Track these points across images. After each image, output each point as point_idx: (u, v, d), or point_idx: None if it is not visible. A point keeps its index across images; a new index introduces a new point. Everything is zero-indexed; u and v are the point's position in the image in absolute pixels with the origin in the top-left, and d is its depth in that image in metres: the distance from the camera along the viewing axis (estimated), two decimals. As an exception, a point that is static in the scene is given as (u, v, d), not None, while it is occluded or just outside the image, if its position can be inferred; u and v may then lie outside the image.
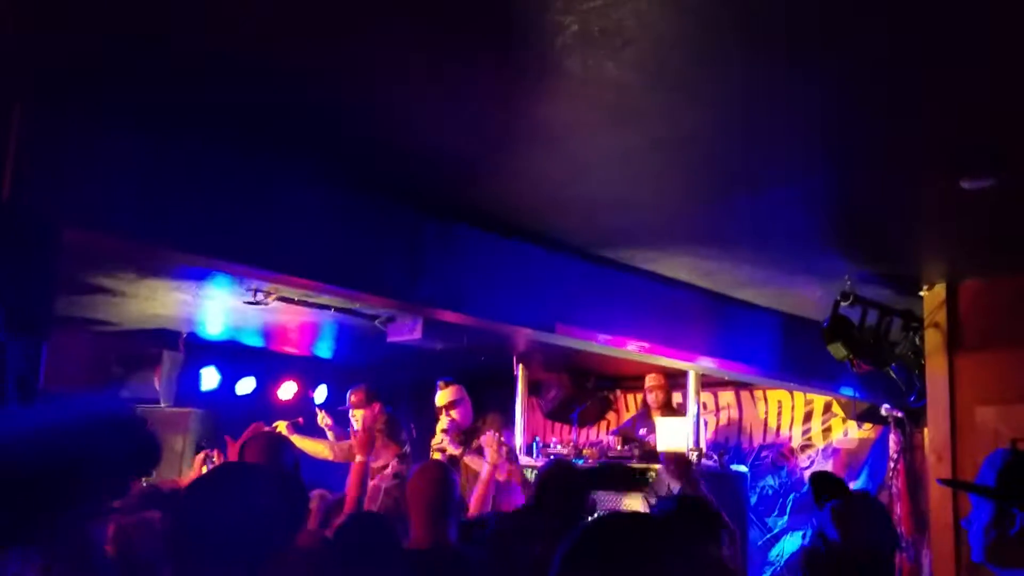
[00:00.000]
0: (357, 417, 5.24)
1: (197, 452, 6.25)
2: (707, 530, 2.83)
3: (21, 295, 2.48)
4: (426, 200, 3.62)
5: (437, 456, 5.30)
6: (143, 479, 5.04)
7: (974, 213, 3.49)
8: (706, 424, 6.65)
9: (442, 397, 5.52)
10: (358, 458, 4.10)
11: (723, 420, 7.14)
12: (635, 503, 5.34)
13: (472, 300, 3.88)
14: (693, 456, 5.63)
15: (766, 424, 6.95)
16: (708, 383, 6.42)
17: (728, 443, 6.83)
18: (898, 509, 5.66)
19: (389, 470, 4.86)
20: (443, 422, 5.46)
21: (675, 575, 1.08)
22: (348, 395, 5.37)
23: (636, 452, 5.80)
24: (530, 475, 4.92)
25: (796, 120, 2.73)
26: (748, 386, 6.83)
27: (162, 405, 5.94)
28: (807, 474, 6.63)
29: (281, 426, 5.35)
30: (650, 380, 6.61)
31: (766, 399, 6.97)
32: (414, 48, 2.36)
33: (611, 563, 1.08)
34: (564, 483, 3.00)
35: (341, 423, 5.60)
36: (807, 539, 2.53)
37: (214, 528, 1.60)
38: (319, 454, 5.41)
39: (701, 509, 2.95)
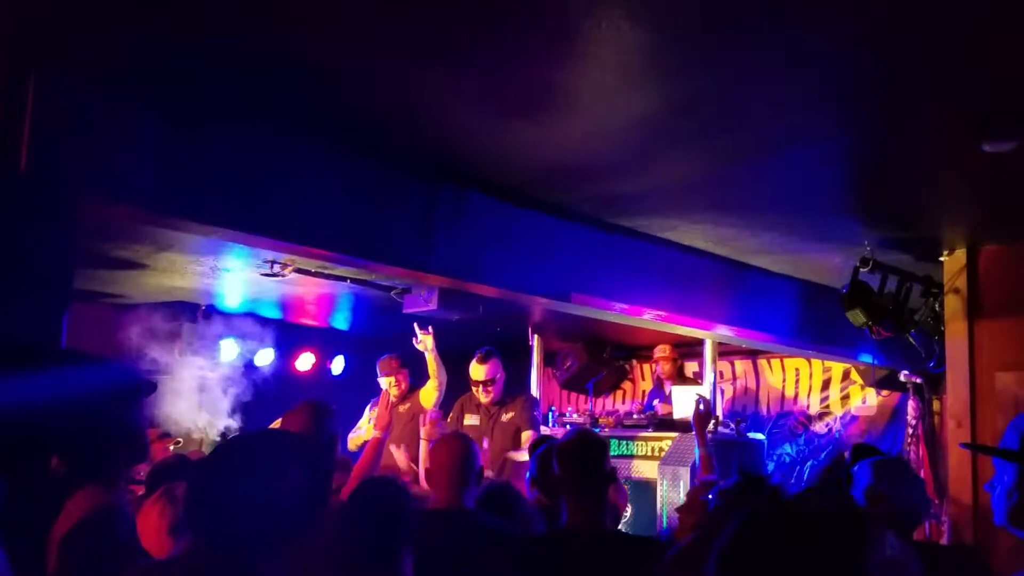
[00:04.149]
0: (392, 383, 5.30)
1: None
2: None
3: (40, 266, 2.49)
4: (440, 169, 3.61)
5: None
6: (171, 447, 5.12)
7: (995, 177, 3.44)
8: (723, 393, 6.65)
9: (480, 371, 5.17)
10: (375, 434, 4.09)
11: (740, 388, 7.14)
12: (647, 469, 5.36)
13: (487, 269, 3.88)
14: (710, 425, 5.65)
15: (783, 392, 6.94)
16: (725, 351, 6.42)
17: (745, 411, 6.83)
18: (920, 475, 5.65)
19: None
20: (484, 396, 5.22)
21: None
22: (378, 364, 5.41)
23: (651, 421, 5.82)
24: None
25: (813, 82, 2.68)
26: (765, 354, 6.81)
27: (182, 376, 6.00)
28: (824, 441, 6.62)
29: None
30: (658, 352, 6.60)
31: (783, 367, 6.95)
32: (422, 16, 2.33)
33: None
34: (580, 455, 2.95)
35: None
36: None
37: (225, 502, 1.57)
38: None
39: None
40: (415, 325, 5.07)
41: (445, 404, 5.43)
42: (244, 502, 1.55)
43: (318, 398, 3.77)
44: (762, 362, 7.02)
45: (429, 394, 5.19)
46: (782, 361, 6.91)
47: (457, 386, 5.52)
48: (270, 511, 1.55)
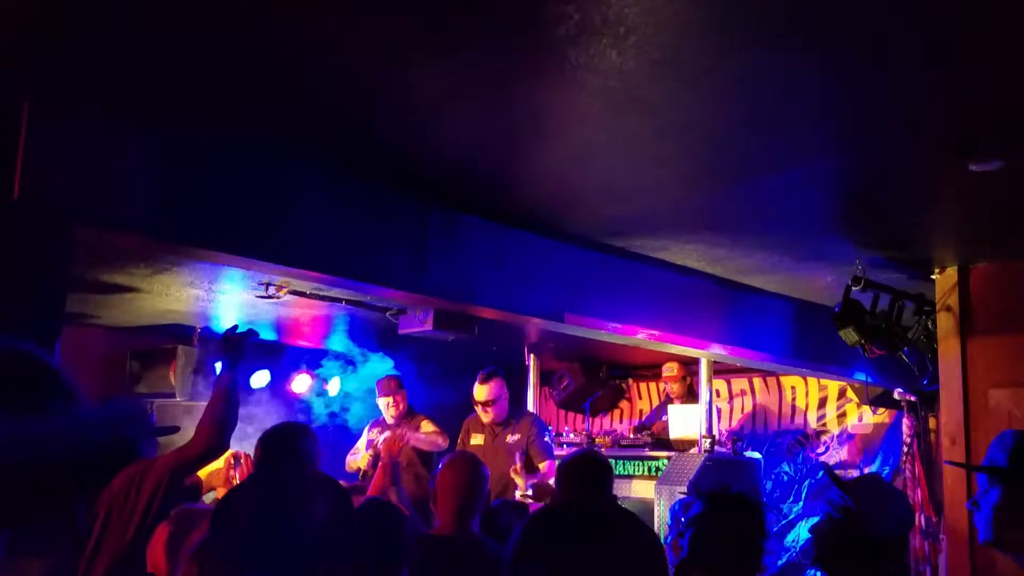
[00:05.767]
0: (389, 404, 5.31)
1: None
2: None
3: (33, 293, 2.51)
4: (432, 192, 3.63)
5: None
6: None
7: (984, 196, 3.46)
8: (719, 412, 6.65)
9: (482, 392, 5.22)
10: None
11: (737, 407, 7.14)
12: (644, 489, 5.35)
13: (480, 290, 3.89)
14: (706, 443, 5.65)
15: (780, 410, 6.94)
16: (721, 370, 6.43)
17: (743, 430, 6.83)
18: (917, 494, 5.65)
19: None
20: (484, 416, 5.27)
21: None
22: (377, 384, 5.42)
23: (648, 440, 5.82)
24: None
25: (799, 104, 2.71)
26: (762, 372, 6.82)
27: (178, 399, 6.00)
28: (822, 459, 6.63)
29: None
30: (667, 371, 6.61)
31: (780, 385, 6.96)
32: (414, 42, 2.37)
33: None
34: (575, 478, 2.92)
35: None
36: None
37: (252, 533, 1.56)
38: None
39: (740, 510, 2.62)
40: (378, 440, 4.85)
41: (454, 424, 5.47)
42: (271, 533, 1.55)
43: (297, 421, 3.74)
44: (758, 380, 7.02)
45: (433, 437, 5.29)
46: (778, 380, 6.91)
47: (458, 407, 5.55)
48: (294, 543, 1.55)
